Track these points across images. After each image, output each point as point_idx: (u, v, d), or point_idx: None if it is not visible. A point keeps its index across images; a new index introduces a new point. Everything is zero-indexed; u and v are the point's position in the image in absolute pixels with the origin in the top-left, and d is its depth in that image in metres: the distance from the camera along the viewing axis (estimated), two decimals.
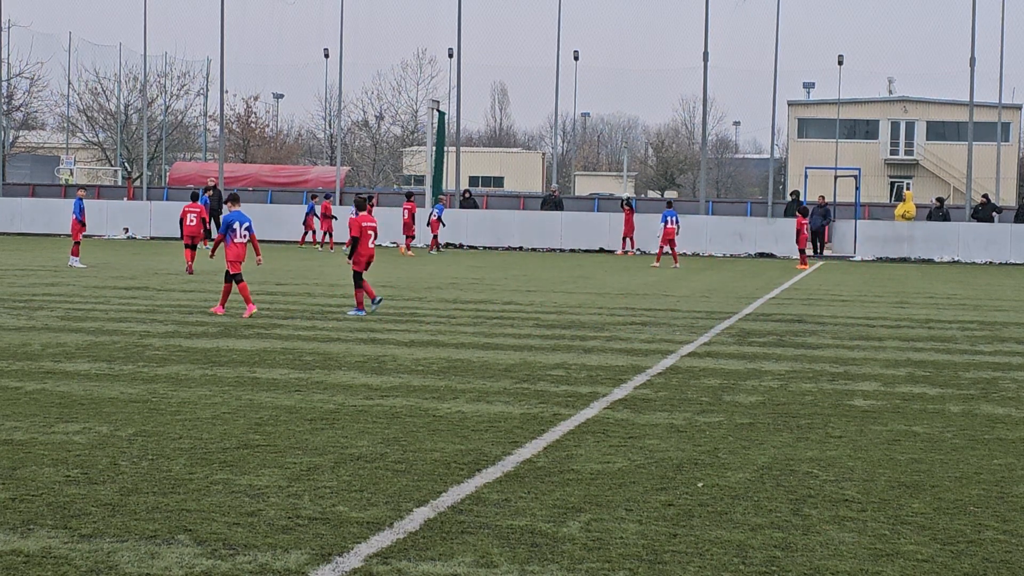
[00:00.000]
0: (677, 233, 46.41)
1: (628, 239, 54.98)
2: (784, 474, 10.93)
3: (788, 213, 59.65)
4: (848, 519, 9.46)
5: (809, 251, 56.71)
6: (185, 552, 8.22)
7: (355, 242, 24.33)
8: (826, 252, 57.52)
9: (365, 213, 24.90)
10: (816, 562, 8.37)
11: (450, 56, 66.56)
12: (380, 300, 24.46)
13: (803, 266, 46.49)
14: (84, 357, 17.19)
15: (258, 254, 24.89)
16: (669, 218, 45.97)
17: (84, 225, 38.62)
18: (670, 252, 46.05)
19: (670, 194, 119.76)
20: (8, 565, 7.86)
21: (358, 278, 23.86)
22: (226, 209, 24.63)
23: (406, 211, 51.02)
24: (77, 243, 37.96)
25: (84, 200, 39.29)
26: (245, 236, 24.22)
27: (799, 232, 47.12)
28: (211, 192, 56.50)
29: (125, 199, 66.41)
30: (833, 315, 26.29)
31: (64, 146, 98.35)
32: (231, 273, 23.69)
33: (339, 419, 13.01)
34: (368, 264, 24.29)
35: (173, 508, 9.26)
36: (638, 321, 24.02)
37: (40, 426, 12.27)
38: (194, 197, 41.34)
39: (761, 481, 10.63)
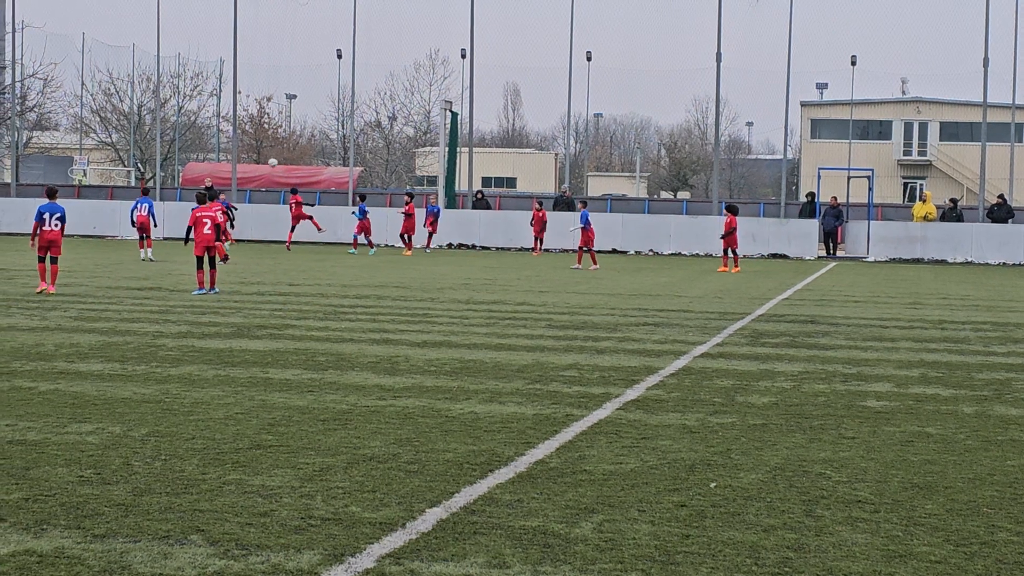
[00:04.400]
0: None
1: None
2: (797, 475, 10.91)
3: (803, 214, 59.62)
4: (861, 520, 9.45)
5: (822, 251, 56.67)
6: (198, 552, 8.23)
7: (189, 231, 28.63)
8: (839, 253, 57.45)
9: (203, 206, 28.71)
10: (829, 563, 8.36)
11: (463, 57, 66.58)
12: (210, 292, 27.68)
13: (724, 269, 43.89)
14: (97, 357, 17.21)
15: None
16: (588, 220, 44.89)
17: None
18: (589, 253, 44.37)
19: (683, 195, 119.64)
20: (21, 565, 7.88)
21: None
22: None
23: (406, 212, 51.14)
24: (146, 236, 41.77)
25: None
26: (57, 225, 28.01)
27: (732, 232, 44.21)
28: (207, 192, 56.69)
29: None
30: (846, 316, 26.26)
31: (78, 147, 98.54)
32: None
33: (352, 420, 13.01)
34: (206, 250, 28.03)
35: (186, 508, 9.27)
36: (651, 322, 24.01)
37: (53, 426, 12.29)
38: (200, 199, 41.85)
39: (774, 482, 10.62)
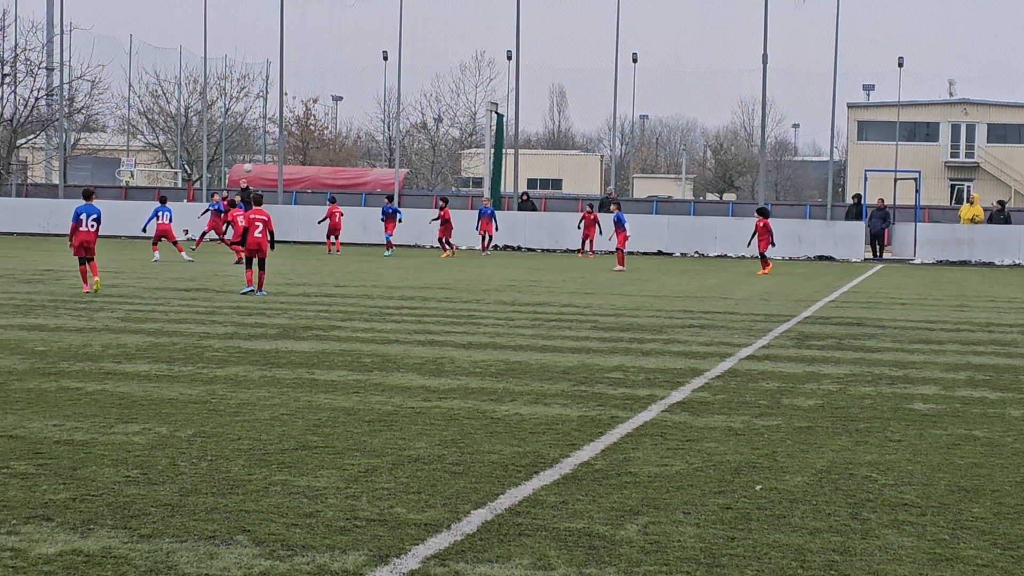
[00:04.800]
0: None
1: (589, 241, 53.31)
2: (843, 478, 10.87)
3: (849, 216, 59.41)
4: (907, 523, 9.40)
5: (868, 253, 56.43)
6: (244, 553, 8.26)
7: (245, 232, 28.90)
8: (885, 255, 57.23)
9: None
10: (875, 566, 8.33)
11: (509, 58, 66.64)
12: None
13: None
14: (144, 358, 17.29)
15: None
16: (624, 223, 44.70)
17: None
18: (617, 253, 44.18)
19: (729, 196, 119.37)
20: (69, 564, 7.92)
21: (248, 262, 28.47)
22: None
23: (441, 217, 51.13)
24: (175, 242, 42.23)
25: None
26: (93, 226, 28.29)
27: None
28: (242, 193, 57.02)
29: (185, 201, 66.78)
30: (893, 318, 26.15)
31: (125, 148, 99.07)
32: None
33: (397, 421, 13.03)
34: (254, 252, 28.41)
35: (232, 509, 9.30)
36: (696, 324, 23.96)
37: (100, 427, 12.35)
38: (232, 204, 42.43)
39: (820, 485, 10.58)
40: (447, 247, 50.88)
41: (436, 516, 9.23)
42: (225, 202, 46.61)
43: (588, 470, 10.90)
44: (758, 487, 10.42)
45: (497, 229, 54.09)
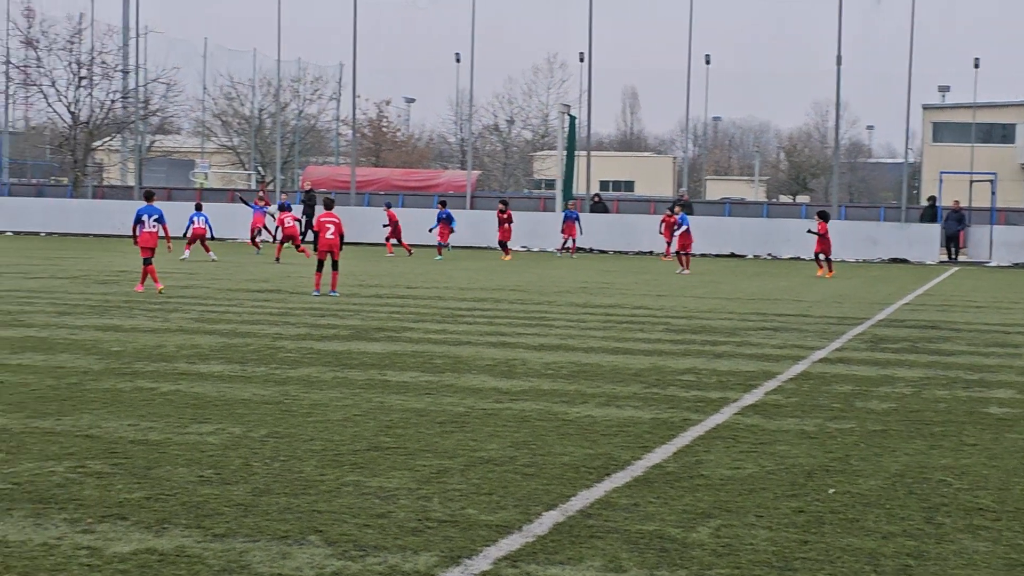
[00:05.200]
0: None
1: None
2: (917, 482, 10.79)
3: (924, 219, 58.99)
4: (982, 528, 9.32)
5: (943, 256, 56.00)
6: (316, 553, 8.29)
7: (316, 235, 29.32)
8: (961, 258, 56.78)
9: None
10: (949, 571, 8.26)
11: (581, 60, 66.57)
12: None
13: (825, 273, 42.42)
14: (218, 359, 17.39)
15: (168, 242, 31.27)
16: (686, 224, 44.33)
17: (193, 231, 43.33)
18: (683, 257, 43.74)
19: (802, 198, 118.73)
20: (143, 563, 7.97)
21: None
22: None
23: (502, 217, 50.98)
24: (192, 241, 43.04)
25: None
26: (155, 226, 29.02)
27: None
28: (307, 194, 57.39)
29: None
30: (968, 321, 25.94)
31: (199, 150, 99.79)
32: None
33: (469, 422, 13.04)
34: (326, 254, 28.70)
35: (304, 509, 9.34)
36: (769, 326, 23.86)
37: (174, 427, 12.43)
38: (283, 207, 43.12)
39: (893, 488, 10.51)
40: (507, 250, 50.78)
41: (507, 517, 9.23)
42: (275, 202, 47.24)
43: (660, 472, 10.87)
44: (831, 490, 10.36)
45: (581, 233, 53.64)
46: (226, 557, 8.13)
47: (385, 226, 52.38)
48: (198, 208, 44.44)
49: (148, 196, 30.09)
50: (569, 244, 53.28)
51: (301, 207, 57.97)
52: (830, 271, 42.34)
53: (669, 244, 51.79)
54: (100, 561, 7.98)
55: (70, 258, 42.00)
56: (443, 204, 52.55)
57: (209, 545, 8.38)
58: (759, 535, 8.97)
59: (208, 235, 43.41)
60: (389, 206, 53.87)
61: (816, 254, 43.08)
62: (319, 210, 33.78)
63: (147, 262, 28.50)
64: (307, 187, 60.89)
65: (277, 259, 42.68)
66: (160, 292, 27.71)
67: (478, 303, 27.57)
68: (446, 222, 50.70)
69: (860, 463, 11.50)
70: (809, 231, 44.01)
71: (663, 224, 52.74)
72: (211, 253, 42.59)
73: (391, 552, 8.33)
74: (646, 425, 13.13)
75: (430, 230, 51.57)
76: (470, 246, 55.93)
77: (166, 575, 7.78)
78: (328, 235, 28.75)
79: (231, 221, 58.04)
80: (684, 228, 43.90)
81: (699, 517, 9.39)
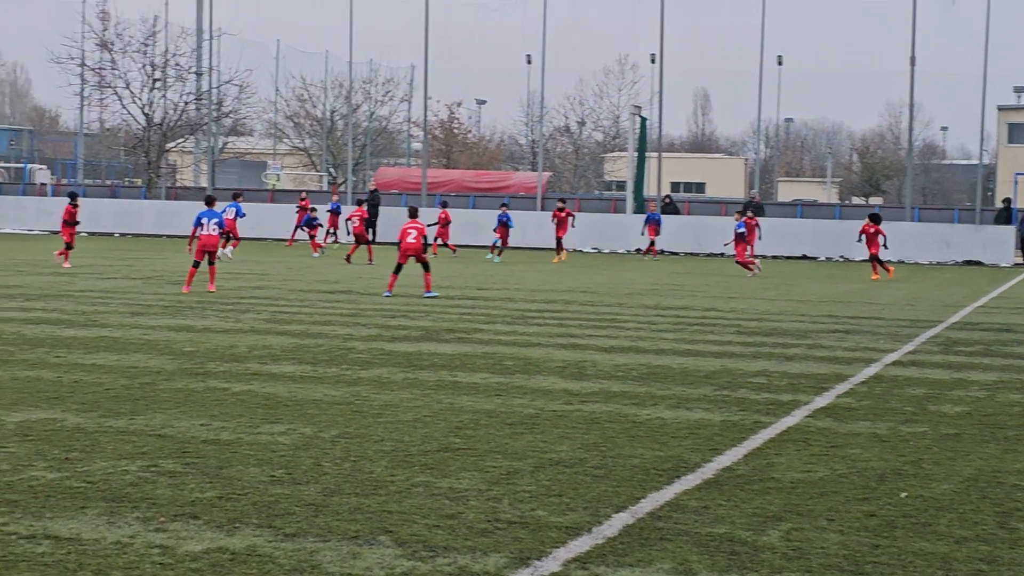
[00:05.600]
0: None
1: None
2: (990, 486, 10.70)
3: (999, 221, 58.49)
4: None
5: (1019, 258, 55.48)
6: (386, 553, 8.31)
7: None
8: None
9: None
10: None
11: (652, 62, 66.48)
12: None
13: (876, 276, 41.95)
14: (289, 359, 17.47)
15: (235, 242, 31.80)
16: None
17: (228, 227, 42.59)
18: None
19: (875, 200, 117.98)
20: (215, 562, 8.02)
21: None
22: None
23: (558, 218, 50.62)
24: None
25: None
26: (215, 230, 29.35)
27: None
28: (371, 195, 57.65)
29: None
30: None
31: (271, 152, 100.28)
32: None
33: (539, 424, 13.05)
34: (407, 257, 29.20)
35: (375, 509, 9.36)
36: (841, 329, 23.73)
37: (246, 427, 12.50)
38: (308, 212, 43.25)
39: (967, 493, 10.43)
40: (561, 249, 50.46)
41: (577, 519, 9.22)
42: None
43: (730, 475, 10.84)
44: (903, 494, 10.29)
45: (659, 234, 52.94)
46: (297, 557, 8.17)
47: (431, 225, 52.42)
48: (210, 203, 44.51)
49: (209, 201, 30.53)
50: (651, 246, 52.65)
51: (365, 207, 58.02)
52: (875, 273, 41.73)
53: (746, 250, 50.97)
54: (172, 560, 8.04)
55: (144, 259, 42.33)
56: (504, 207, 52.34)
57: (280, 545, 8.43)
58: (830, 539, 8.92)
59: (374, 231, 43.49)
60: (445, 205, 53.84)
61: (872, 256, 42.48)
62: (398, 216, 34.10)
63: (195, 264, 28.99)
64: (372, 187, 61.04)
65: (347, 258, 42.81)
66: (184, 294, 27.97)
67: (548, 305, 27.57)
68: (505, 224, 50.43)
69: (933, 467, 11.42)
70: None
71: (745, 226, 51.69)
72: (227, 250, 42.47)
73: (460, 553, 8.34)
74: (716, 427, 13.09)
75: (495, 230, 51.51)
76: (540, 248, 55.88)
77: (237, 574, 7.83)
78: (410, 239, 29.12)
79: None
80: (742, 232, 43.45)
81: (769, 520, 9.36)
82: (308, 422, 12.81)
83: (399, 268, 29.14)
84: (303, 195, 55.08)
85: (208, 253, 29.15)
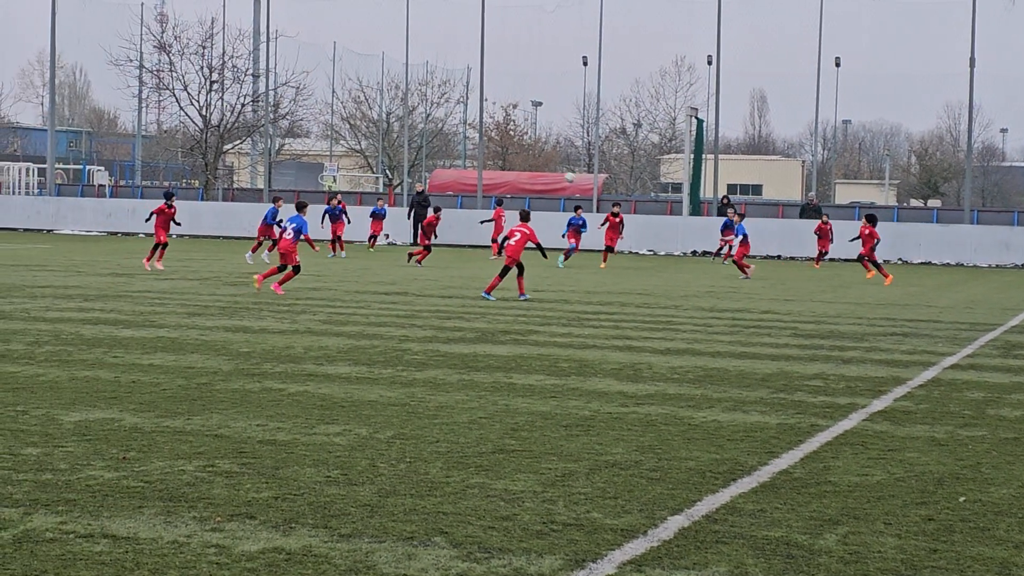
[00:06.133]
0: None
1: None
2: None
3: None
4: None
5: None
6: (441, 554, 8.31)
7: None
8: None
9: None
10: None
11: (709, 63, 66.35)
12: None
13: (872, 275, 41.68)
14: (345, 360, 17.51)
15: (314, 247, 32.19)
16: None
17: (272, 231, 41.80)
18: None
19: (933, 203, 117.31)
20: (271, 562, 8.04)
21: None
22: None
23: (611, 223, 49.95)
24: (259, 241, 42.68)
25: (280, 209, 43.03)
26: (291, 235, 29.31)
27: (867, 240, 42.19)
28: (419, 196, 57.61)
29: (386, 206, 67.55)
30: None
31: (327, 153, 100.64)
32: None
33: (594, 426, 13.03)
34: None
35: (430, 510, 9.37)
36: (899, 332, 23.60)
37: (302, 427, 12.53)
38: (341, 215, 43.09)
39: None
40: (609, 253, 49.93)
41: (633, 522, 9.20)
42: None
43: (787, 478, 10.79)
44: (962, 499, 10.22)
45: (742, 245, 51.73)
46: (352, 557, 8.18)
47: (484, 222, 52.34)
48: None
49: (300, 207, 30.53)
50: (725, 250, 51.61)
51: (410, 209, 58.04)
52: (869, 272, 41.34)
53: (822, 253, 50.17)
54: (228, 559, 8.07)
55: (201, 260, 42.54)
56: (578, 209, 51.58)
57: (335, 545, 8.44)
58: (887, 543, 8.87)
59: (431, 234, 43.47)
60: (500, 203, 53.71)
61: (862, 256, 41.94)
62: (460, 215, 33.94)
63: (283, 268, 29.18)
64: (420, 188, 61.03)
65: (411, 258, 42.83)
66: (258, 291, 28.29)
67: (604, 307, 27.54)
68: (576, 227, 49.67)
69: (992, 471, 11.34)
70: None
71: (819, 230, 50.90)
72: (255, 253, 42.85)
73: (516, 555, 8.34)
74: (773, 430, 13.04)
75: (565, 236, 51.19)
76: (596, 249, 55.77)
77: (293, 574, 7.84)
78: (512, 241, 28.89)
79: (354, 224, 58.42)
80: (741, 237, 42.80)
81: (826, 524, 9.31)
82: (363, 423, 12.84)
83: (506, 271, 28.81)
84: (337, 195, 54.46)
85: (283, 255, 29.31)
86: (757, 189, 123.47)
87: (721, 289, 34.53)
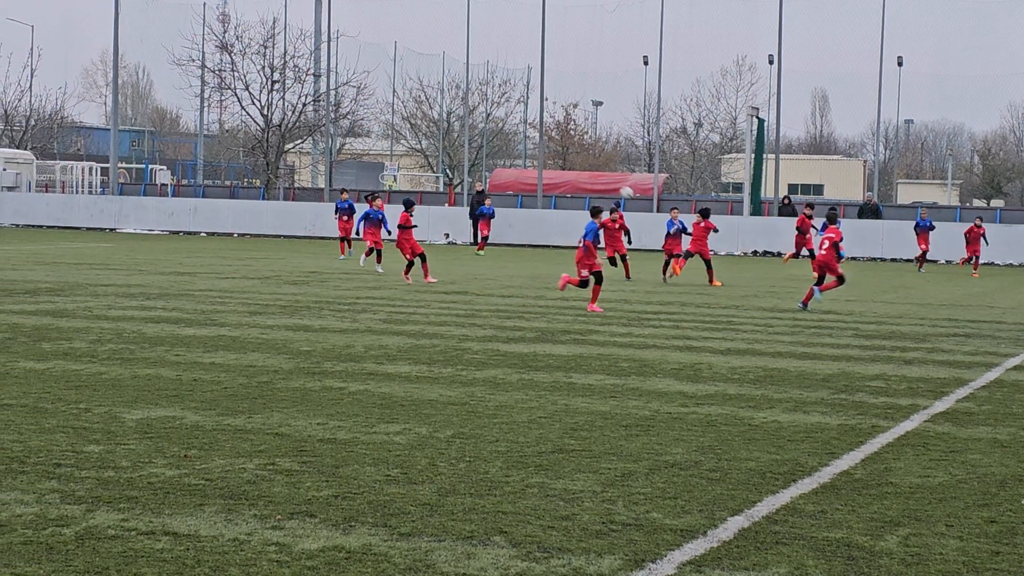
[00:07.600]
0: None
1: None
2: None
3: None
4: None
5: None
6: (500, 554, 8.32)
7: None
8: None
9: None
10: None
11: (770, 63, 66.15)
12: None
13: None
14: (405, 359, 17.55)
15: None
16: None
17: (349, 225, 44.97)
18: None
19: (996, 203, 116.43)
20: (331, 560, 8.07)
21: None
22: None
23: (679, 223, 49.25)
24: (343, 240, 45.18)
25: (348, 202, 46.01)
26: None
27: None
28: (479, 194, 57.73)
29: (446, 205, 67.67)
30: None
31: (388, 153, 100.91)
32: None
33: (654, 426, 13.01)
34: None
35: (489, 510, 9.38)
36: (961, 333, 23.44)
37: (362, 426, 12.57)
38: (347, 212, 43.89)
39: None
40: (681, 261, 49.30)
41: (692, 522, 9.18)
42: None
43: (847, 479, 10.74)
44: None
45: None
46: (412, 556, 8.20)
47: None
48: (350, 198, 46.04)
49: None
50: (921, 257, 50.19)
51: (471, 208, 58.13)
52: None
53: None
54: (289, 557, 8.10)
55: (262, 259, 42.72)
56: (675, 210, 50.65)
57: (395, 544, 8.46)
58: (949, 545, 8.81)
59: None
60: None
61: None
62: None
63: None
64: (480, 187, 61.05)
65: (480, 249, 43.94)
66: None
67: (664, 307, 27.49)
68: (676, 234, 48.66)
69: None
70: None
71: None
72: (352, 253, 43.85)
73: (575, 554, 8.34)
74: (834, 431, 12.98)
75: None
76: (655, 250, 55.63)
77: (353, 572, 7.87)
78: (821, 249, 28.08)
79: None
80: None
81: (887, 525, 9.26)
82: (423, 422, 12.86)
83: (820, 277, 27.82)
84: (375, 196, 53.91)
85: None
86: (818, 189, 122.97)
87: (781, 289, 34.40)
